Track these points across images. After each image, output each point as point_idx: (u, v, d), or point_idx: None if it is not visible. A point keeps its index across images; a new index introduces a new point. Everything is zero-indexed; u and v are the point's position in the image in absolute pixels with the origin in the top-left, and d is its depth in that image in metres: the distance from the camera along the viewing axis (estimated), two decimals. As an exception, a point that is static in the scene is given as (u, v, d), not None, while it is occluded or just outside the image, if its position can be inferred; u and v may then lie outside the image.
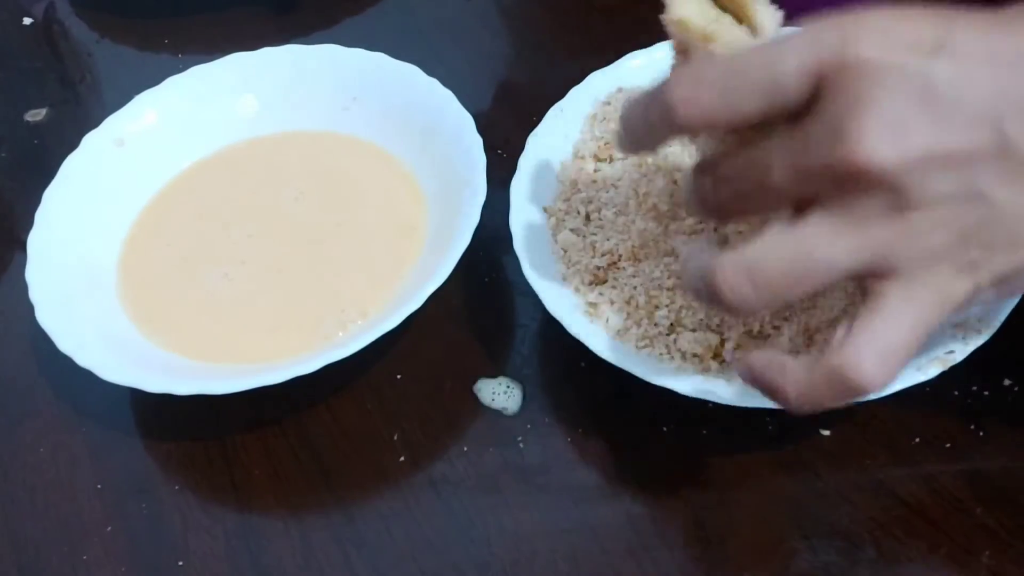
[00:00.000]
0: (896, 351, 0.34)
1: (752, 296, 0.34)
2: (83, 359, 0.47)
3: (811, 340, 0.44)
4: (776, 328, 0.45)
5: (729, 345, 0.45)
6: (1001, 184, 0.33)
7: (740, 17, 0.39)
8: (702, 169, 0.37)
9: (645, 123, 0.37)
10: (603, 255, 0.48)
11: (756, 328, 0.45)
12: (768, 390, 0.36)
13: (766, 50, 0.34)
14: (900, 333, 0.34)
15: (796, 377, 0.35)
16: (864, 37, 0.33)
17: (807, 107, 0.34)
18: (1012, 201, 0.33)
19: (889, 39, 0.33)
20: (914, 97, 0.32)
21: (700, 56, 0.38)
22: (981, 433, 0.45)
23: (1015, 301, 0.43)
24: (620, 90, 0.55)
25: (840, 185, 0.33)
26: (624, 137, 0.39)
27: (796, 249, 0.34)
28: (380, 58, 0.59)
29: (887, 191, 0.33)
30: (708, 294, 0.35)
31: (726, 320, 0.45)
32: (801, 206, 0.34)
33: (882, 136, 0.32)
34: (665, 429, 0.47)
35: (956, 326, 0.43)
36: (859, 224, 0.33)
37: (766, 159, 0.34)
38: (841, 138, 0.32)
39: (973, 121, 0.32)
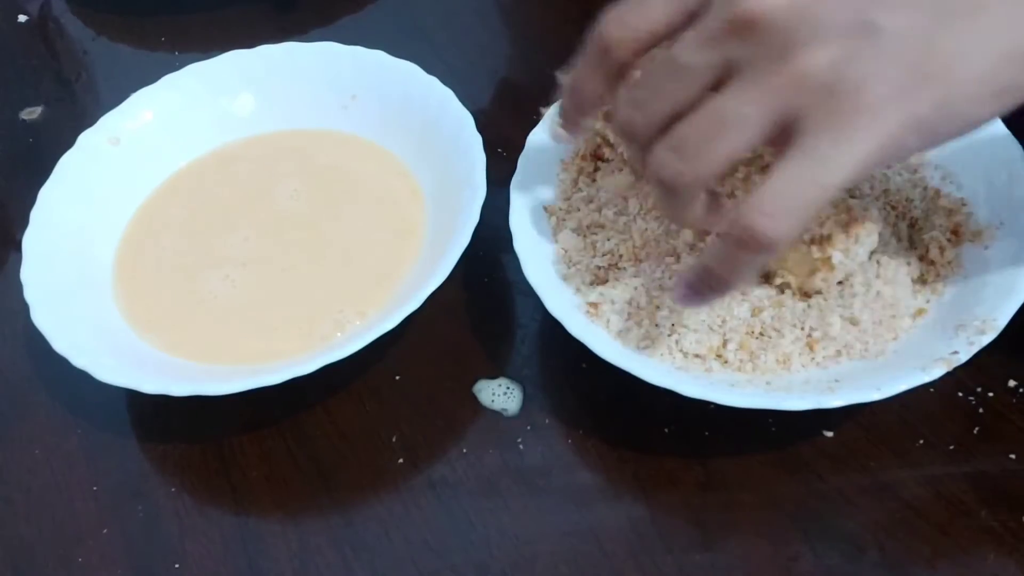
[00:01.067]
0: (790, 201, 0.35)
1: (678, 164, 0.37)
2: (78, 360, 0.47)
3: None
4: (777, 331, 0.45)
5: (732, 346, 0.45)
6: (890, 11, 0.34)
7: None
8: (622, 92, 0.40)
9: (586, 75, 0.41)
10: (604, 255, 0.48)
11: (757, 329, 0.45)
12: (702, 283, 0.39)
13: None
14: (796, 185, 0.35)
15: (712, 251, 0.38)
16: None
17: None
18: (903, 28, 0.34)
19: None
20: None
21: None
22: (985, 435, 0.45)
23: (1020, 302, 0.43)
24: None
25: (743, 43, 0.35)
26: (570, 102, 0.43)
27: (710, 114, 0.36)
28: (379, 56, 0.59)
29: (780, 35, 0.35)
30: (661, 187, 0.37)
31: (727, 320, 0.45)
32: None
33: None
34: (667, 430, 0.47)
35: (959, 327, 0.43)
36: (762, 79, 0.35)
37: (674, 48, 0.37)
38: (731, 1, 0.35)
39: None
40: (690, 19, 0.38)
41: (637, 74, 0.40)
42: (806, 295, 0.46)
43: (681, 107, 0.37)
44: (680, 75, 0.37)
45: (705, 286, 0.39)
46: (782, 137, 0.36)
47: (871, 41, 0.34)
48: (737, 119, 0.36)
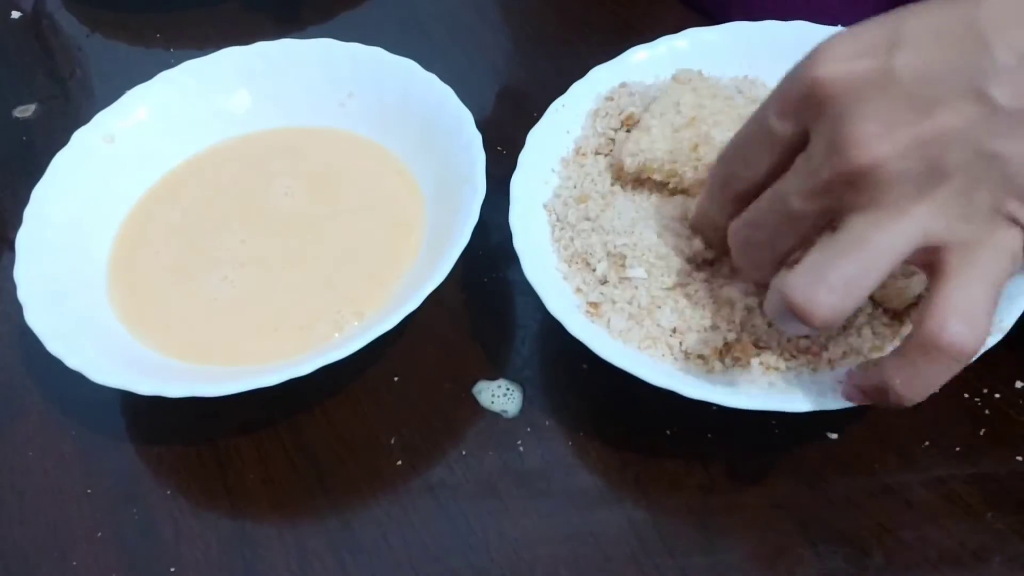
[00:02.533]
0: (976, 305, 0.36)
1: (827, 297, 0.36)
2: (73, 361, 0.47)
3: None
4: (780, 331, 0.45)
5: (735, 347, 0.45)
6: (1006, 139, 0.36)
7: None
8: (734, 223, 0.42)
9: (709, 210, 0.44)
10: (605, 255, 0.48)
11: (761, 330, 0.45)
12: (877, 392, 0.39)
13: (755, 114, 0.41)
14: (974, 290, 0.36)
15: (895, 366, 0.38)
16: (822, 62, 0.37)
17: (805, 140, 0.38)
18: (1020, 149, 0.36)
19: (845, 55, 0.37)
20: (887, 94, 0.36)
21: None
22: (992, 437, 0.45)
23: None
24: (623, 85, 0.55)
25: (856, 189, 0.37)
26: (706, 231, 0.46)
27: (850, 244, 0.37)
28: (377, 52, 0.59)
29: (902, 179, 0.36)
30: (787, 312, 0.37)
31: (730, 321, 0.45)
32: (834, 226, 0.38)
33: (875, 133, 0.36)
34: (669, 432, 0.47)
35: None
36: (894, 213, 0.36)
37: (783, 191, 0.39)
38: (836, 150, 0.36)
39: (950, 96, 0.35)
40: (794, 154, 0.39)
41: (749, 212, 0.41)
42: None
43: (798, 246, 0.40)
44: (793, 221, 0.39)
45: (880, 399, 0.39)
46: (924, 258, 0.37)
47: (999, 168, 0.36)
48: (885, 248, 0.36)
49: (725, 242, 0.43)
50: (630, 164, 0.49)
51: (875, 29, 0.37)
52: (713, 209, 0.44)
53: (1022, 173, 0.36)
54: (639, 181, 0.50)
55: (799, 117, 0.38)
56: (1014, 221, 0.37)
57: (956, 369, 0.37)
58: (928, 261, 0.37)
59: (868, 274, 0.36)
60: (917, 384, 0.38)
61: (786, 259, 0.41)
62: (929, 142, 0.36)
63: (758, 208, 0.41)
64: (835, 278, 0.36)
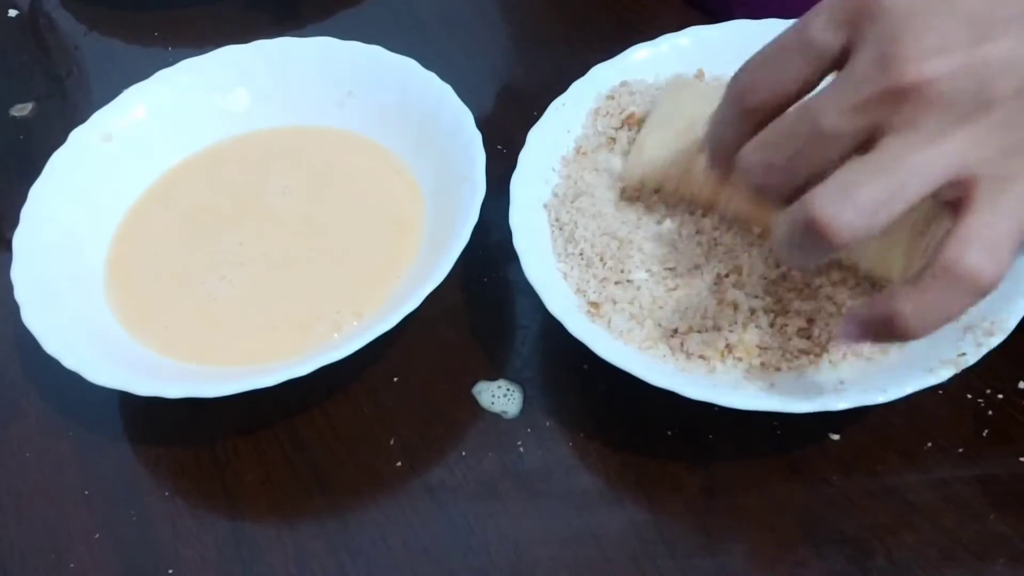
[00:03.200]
0: (1000, 238, 0.35)
1: (853, 217, 0.35)
2: (70, 361, 0.47)
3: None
4: (782, 333, 0.45)
5: (736, 347, 0.45)
6: None
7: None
8: (748, 146, 0.39)
9: (726, 126, 0.41)
10: (607, 255, 0.48)
11: (763, 331, 0.45)
12: (882, 325, 0.37)
13: (797, 23, 0.38)
14: (1000, 223, 0.35)
15: (905, 294, 0.36)
16: None
17: (843, 60, 0.36)
18: None
19: None
20: (946, 12, 0.35)
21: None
22: (995, 438, 0.45)
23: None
24: (624, 83, 0.55)
25: (899, 108, 0.35)
26: (713, 150, 0.42)
27: (883, 165, 0.35)
28: (376, 51, 0.59)
29: (947, 102, 0.34)
30: (807, 233, 0.36)
31: (732, 321, 0.45)
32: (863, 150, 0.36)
33: (929, 50, 0.34)
34: (670, 433, 0.47)
35: (968, 328, 0.43)
36: (933, 137, 0.35)
37: (816, 107, 0.36)
38: (890, 63, 0.35)
39: (1011, 23, 0.35)
40: (826, 73, 0.37)
41: (770, 131, 0.38)
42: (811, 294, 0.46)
43: (822, 171, 0.37)
44: (823, 141, 0.36)
45: (884, 331, 0.37)
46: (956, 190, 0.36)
47: None
48: (917, 174, 0.35)
49: (727, 170, 0.41)
50: (629, 180, 0.49)
51: None
52: (726, 122, 0.41)
53: None
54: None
55: (848, 28, 0.36)
56: None
57: (970, 302, 0.36)
58: (956, 196, 0.36)
59: (899, 197, 0.35)
60: (929, 314, 0.36)
61: (803, 188, 0.37)
62: (982, 67, 0.34)
63: (782, 125, 0.38)
64: (864, 197, 0.35)
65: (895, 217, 0.35)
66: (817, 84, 0.38)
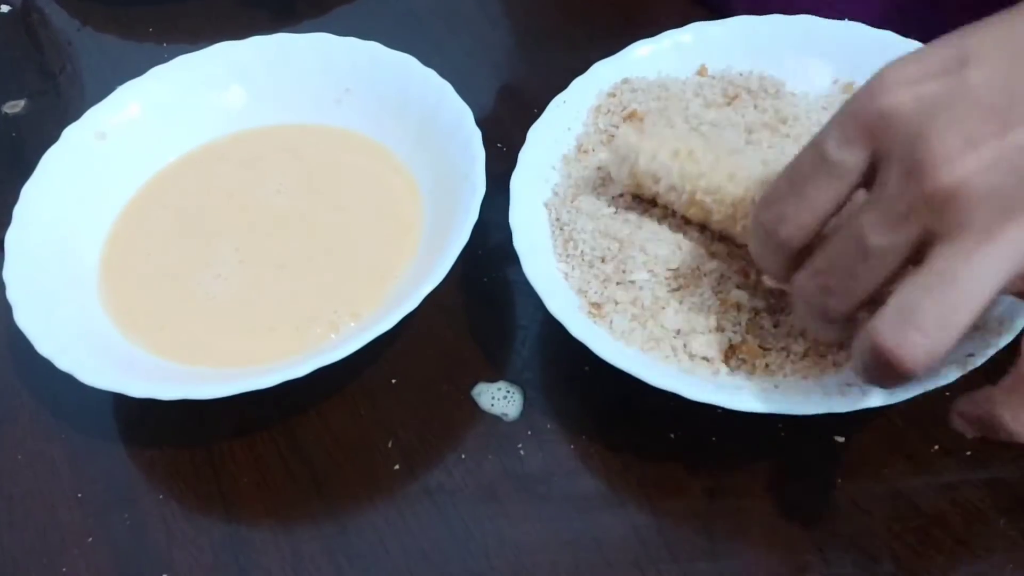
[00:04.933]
0: None
1: (921, 340, 0.34)
2: (63, 362, 0.47)
3: None
4: (786, 333, 0.45)
5: (740, 348, 0.45)
6: None
7: None
8: (799, 276, 0.39)
9: (765, 258, 0.41)
10: (608, 257, 0.48)
11: (766, 331, 0.45)
12: (986, 426, 0.37)
13: (810, 147, 0.38)
14: None
15: (1003, 400, 0.36)
16: (889, 89, 0.35)
17: (872, 177, 0.37)
18: None
19: (912, 78, 0.35)
20: (965, 110, 0.34)
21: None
22: (1004, 441, 0.45)
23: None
24: (625, 81, 0.55)
25: (942, 214, 0.34)
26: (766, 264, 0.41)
27: (940, 280, 0.34)
28: (374, 48, 0.59)
29: (990, 198, 0.34)
30: (877, 362, 0.35)
31: (735, 322, 0.45)
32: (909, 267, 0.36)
33: (956, 149, 0.34)
34: (672, 436, 0.47)
35: (975, 329, 0.43)
36: (984, 238, 0.34)
37: (859, 229, 0.36)
38: (917, 172, 0.34)
39: None
40: (856, 189, 0.37)
41: (819, 258, 0.38)
42: None
43: (881, 288, 0.37)
44: (873, 259, 0.36)
45: (990, 431, 0.37)
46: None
47: None
48: (980, 282, 0.34)
49: (835, 317, 0.39)
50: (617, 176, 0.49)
51: (939, 50, 0.36)
52: (766, 256, 0.40)
53: None
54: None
55: (866, 144, 0.36)
56: None
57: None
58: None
59: (963, 308, 0.34)
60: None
61: (864, 308, 0.38)
62: (1015, 154, 0.34)
63: (831, 251, 0.37)
64: (925, 318, 0.34)
65: (964, 328, 0.35)
66: (846, 202, 0.38)
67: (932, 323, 0.34)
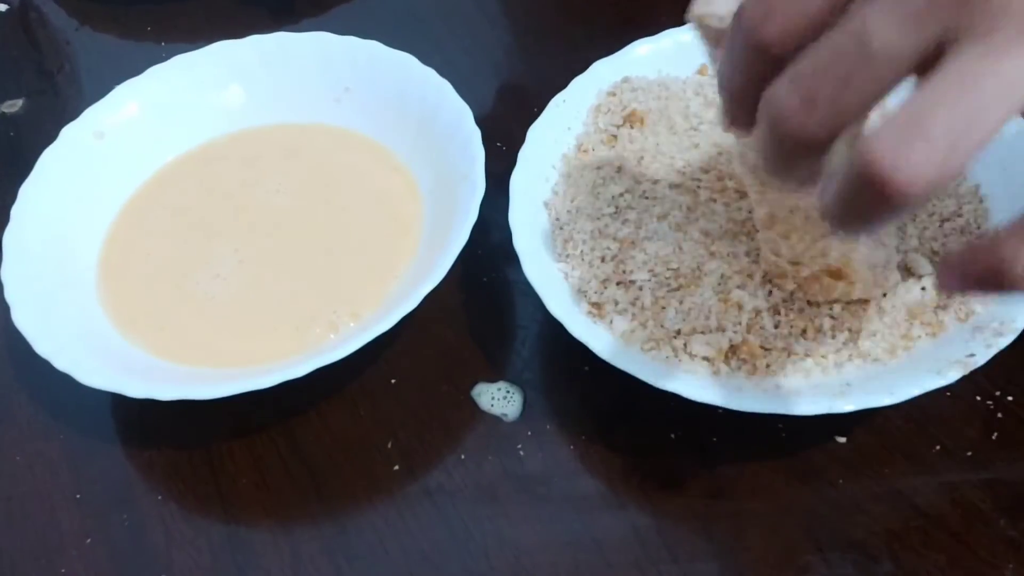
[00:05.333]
0: None
1: (930, 160, 0.28)
2: (61, 363, 0.47)
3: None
4: (787, 333, 0.45)
5: (740, 348, 0.45)
6: None
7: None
8: (774, 87, 0.31)
9: (733, 70, 0.33)
10: (608, 257, 0.48)
11: (768, 331, 0.45)
12: (987, 277, 0.30)
13: None
14: None
15: (1014, 244, 0.30)
16: None
17: None
18: None
19: None
20: None
21: None
22: (1004, 441, 0.45)
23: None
24: (626, 80, 0.55)
25: (967, 13, 0.28)
26: (729, 105, 0.34)
27: (959, 87, 0.28)
28: (373, 46, 0.59)
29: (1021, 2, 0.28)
30: (867, 188, 0.29)
31: (736, 322, 0.45)
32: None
33: None
34: (673, 436, 0.47)
35: (976, 329, 0.43)
36: (1014, 45, 0.28)
37: (862, 23, 0.29)
38: None
39: None
40: None
41: (805, 60, 0.30)
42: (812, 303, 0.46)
43: (876, 102, 0.30)
44: (875, 63, 0.29)
45: (991, 281, 0.30)
46: None
47: None
48: (998, 91, 0.28)
49: (747, 126, 0.33)
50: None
51: None
52: (738, 65, 0.32)
53: None
54: (643, 173, 0.50)
55: None
56: None
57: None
58: None
59: (981, 123, 0.28)
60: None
61: (848, 131, 0.30)
62: None
63: (821, 50, 0.30)
64: (939, 129, 0.28)
65: (981, 147, 0.28)
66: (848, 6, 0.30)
67: (945, 136, 0.28)
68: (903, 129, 0.28)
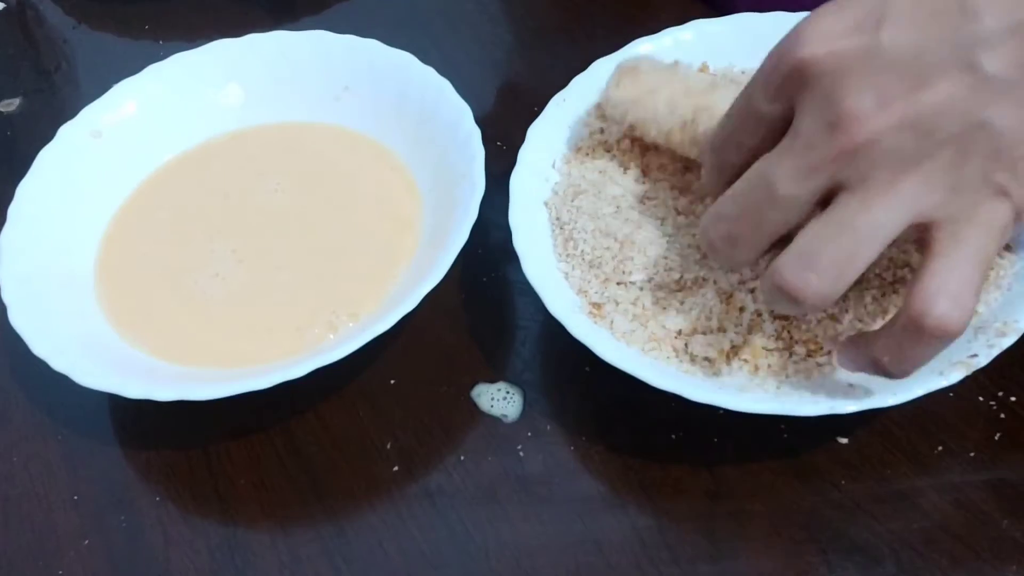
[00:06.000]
0: (963, 284, 0.37)
1: (818, 283, 0.37)
2: (58, 363, 0.47)
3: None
4: (789, 334, 0.45)
5: (742, 349, 0.45)
6: (995, 108, 0.36)
7: None
8: (704, 218, 0.42)
9: (706, 174, 0.45)
10: (609, 258, 0.48)
11: (768, 332, 0.45)
12: (869, 366, 0.40)
13: (739, 97, 0.41)
14: (961, 268, 0.37)
15: (883, 345, 0.39)
16: (808, 42, 0.37)
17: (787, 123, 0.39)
18: (1011, 118, 0.36)
19: (830, 33, 0.37)
20: (878, 69, 0.36)
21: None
22: (1008, 441, 0.45)
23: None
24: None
25: (848, 167, 0.37)
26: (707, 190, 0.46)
27: (840, 228, 0.37)
28: (373, 45, 0.59)
29: (894, 154, 0.36)
30: (779, 297, 0.38)
31: (737, 323, 0.45)
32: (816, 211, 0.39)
33: (869, 108, 0.36)
34: (674, 437, 0.47)
35: (979, 329, 0.43)
36: (885, 190, 0.37)
37: (768, 174, 0.39)
38: (831, 126, 0.37)
39: (940, 68, 0.36)
40: (777, 138, 0.39)
41: (727, 204, 0.41)
42: None
43: (783, 234, 0.40)
44: (781, 207, 0.39)
45: (872, 370, 0.40)
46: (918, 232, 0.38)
47: (987, 138, 0.36)
48: (872, 229, 0.37)
49: (740, 259, 0.43)
50: (612, 113, 0.50)
51: (859, 5, 0.37)
52: (707, 172, 0.44)
53: (1011, 143, 0.36)
54: (644, 172, 0.50)
55: (784, 95, 0.38)
56: (1003, 193, 0.37)
57: (942, 347, 0.38)
58: (919, 237, 0.38)
59: (859, 255, 0.37)
60: (905, 362, 0.39)
61: (770, 249, 0.41)
62: (921, 115, 0.36)
63: (738, 196, 0.40)
64: (825, 262, 0.37)
65: (858, 273, 0.37)
66: (770, 148, 0.39)
67: (831, 267, 0.37)
68: (799, 260, 0.37)
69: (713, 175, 0.44)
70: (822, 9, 0.38)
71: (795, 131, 0.38)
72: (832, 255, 0.37)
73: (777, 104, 0.39)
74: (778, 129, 0.39)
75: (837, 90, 0.37)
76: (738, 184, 0.40)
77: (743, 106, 0.41)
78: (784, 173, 0.38)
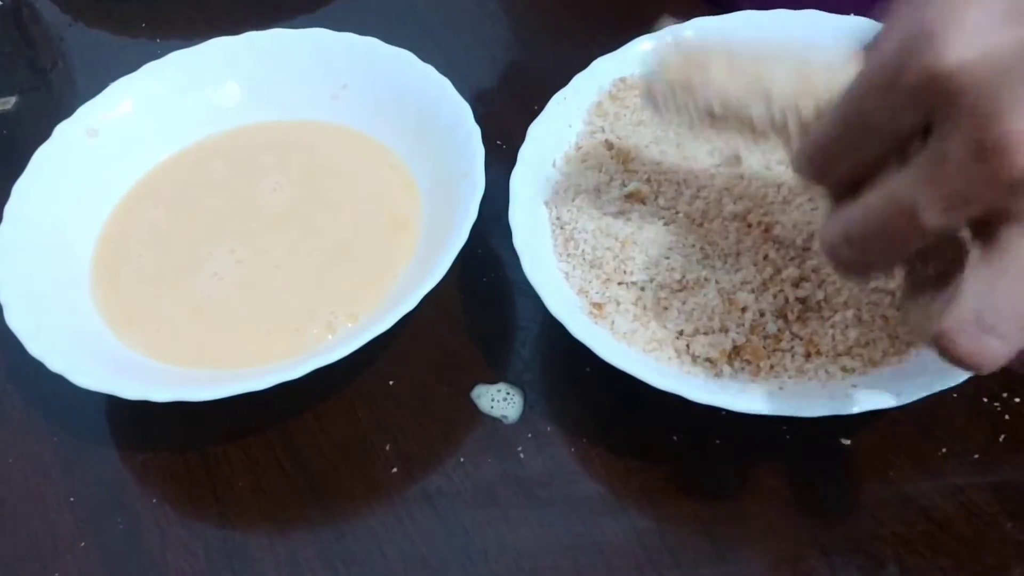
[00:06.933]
0: None
1: (1000, 346, 0.32)
2: (55, 363, 0.47)
3: None
4: (791, 334, 0.45)
5: (744, 349, 0.45)
6: None
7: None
8: (829, 235, 0.36)
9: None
10: (610, 258, 0.48)
11: (771, 333, 0.45)
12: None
13: (849, 99, 0.34)
14: None
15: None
16: (950, 38, 0.30)
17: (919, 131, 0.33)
18: None
19: (978, 27, 0.30)
20: None
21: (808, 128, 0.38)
22: (1012, 443, 0.45)
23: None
24: (625, 80, 0.55)
25: (1014, 198, 0.31)
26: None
27: (1020, 276, 0.32)
28: (371, 43, 0.59)
29: None
30: (953, 362, 0.33)
31: (739, 323, 0.45)
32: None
33: None
34: (675, 438, 0.47)
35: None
36: None
37: (911, 202, 0.32)
38: (993, 151, 0.30)
39: None
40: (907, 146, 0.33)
41: (856, 224, 0.35)
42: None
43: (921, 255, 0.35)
44: (927, 235, 0.33)
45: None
46: None
47: None
48: None
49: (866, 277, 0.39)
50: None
51: None
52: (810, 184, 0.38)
53: None
54: (645, 172, 0.50)
55: (920, 109, 0.32)
56: None
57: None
58: None
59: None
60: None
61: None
62: None
63: (870, 220, 0.34)
64: (1007, 324, 0.31)
65: None
66: (890, 157, 0.34)
67: (1009, 324, 0.32)
68: (979, 324, 0.32)
69: (812, 176, 0.37)
70: None
71: (939, 153, 0.31)
72: (1012, 308, 0.31)
73: (905, 118, 0.32)
74: (903, 139, 0.33)
75: (993, 105, 0.30)
76: (869, 206, 0.34)
77: (853, 113, 0.34)
78: (929, 202, 0.32)
